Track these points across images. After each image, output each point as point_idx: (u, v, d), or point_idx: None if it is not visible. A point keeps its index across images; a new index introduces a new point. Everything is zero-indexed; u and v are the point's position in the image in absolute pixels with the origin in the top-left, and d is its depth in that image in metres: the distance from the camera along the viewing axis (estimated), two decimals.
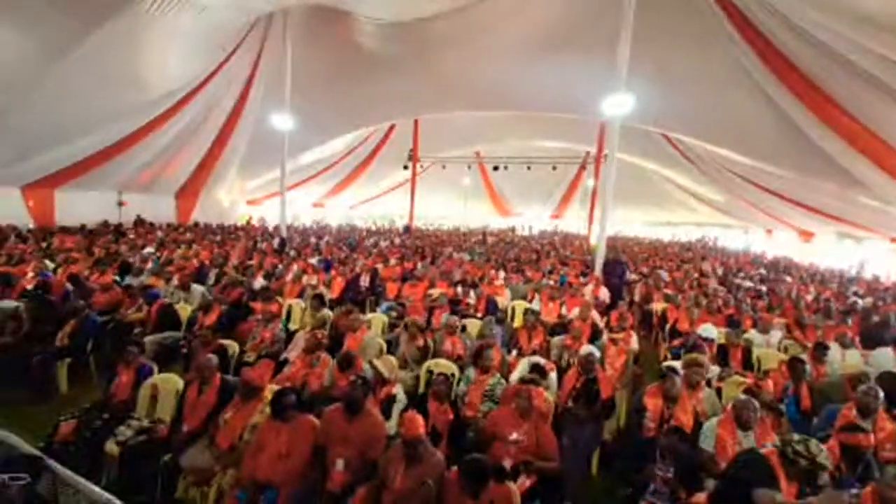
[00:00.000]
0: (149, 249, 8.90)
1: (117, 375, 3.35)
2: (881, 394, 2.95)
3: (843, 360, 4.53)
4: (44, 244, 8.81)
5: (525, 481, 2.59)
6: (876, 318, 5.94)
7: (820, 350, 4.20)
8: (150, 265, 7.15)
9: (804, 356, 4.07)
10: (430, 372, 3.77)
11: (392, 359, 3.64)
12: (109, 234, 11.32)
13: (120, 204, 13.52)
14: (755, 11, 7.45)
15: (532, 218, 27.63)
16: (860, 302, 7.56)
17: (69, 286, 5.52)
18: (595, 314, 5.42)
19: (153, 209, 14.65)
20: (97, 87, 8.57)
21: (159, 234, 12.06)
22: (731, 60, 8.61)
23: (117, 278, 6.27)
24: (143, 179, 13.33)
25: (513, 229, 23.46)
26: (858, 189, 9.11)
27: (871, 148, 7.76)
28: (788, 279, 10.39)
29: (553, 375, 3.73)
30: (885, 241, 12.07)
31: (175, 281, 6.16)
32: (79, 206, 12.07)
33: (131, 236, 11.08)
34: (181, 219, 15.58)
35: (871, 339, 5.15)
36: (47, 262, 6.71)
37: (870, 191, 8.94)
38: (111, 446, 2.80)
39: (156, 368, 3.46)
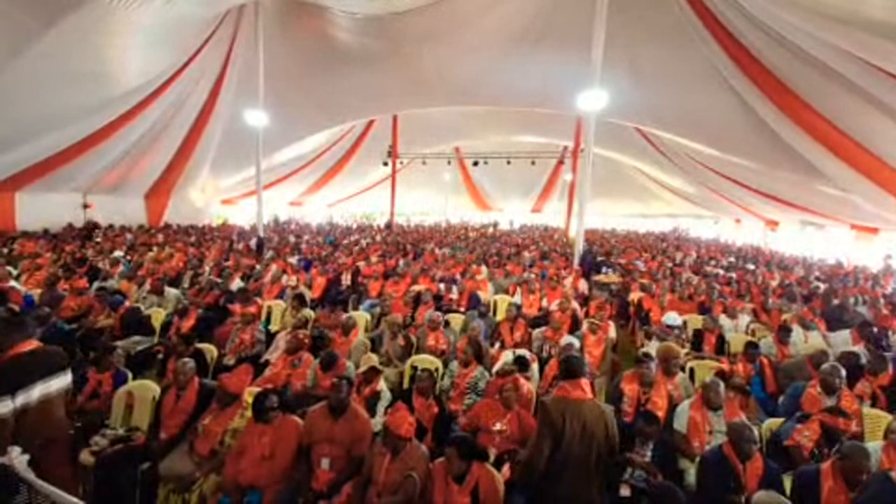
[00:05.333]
0: (118, 253, 8.57)
1: (86, 383, 3.24)
2: (843, 372, 3.12)
3: (806, 341, 4.78)
4: (5, 250, 8.39)
5: (508, 470, 2.65)
6: (836, 301, 6.28)
7: (784, 332, 4.43)
8: (120, 269, 6.89)
9: (760, 342, 4.29)
10: (414, 368, 3.79)
11: (374, 356, 3.64)
12: (75, 238, 10.84)
13: (85, 206, 12.93)
14: (722, 9, 7.71)
15: (513, 212, 27.88)
16: (821, 286, 7.97)
17: (27, 293, 5.27)
18: (575, 305, 5.55)
19: (121, 211, 14.04)
20: (59, 83, 8.14)
21: (129, 236, 11.62)
22: (701, 57, 8.87)
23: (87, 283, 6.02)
24: (109, 180, 12.77)
25: (495, 224, 23.63)
26: (818, 178, 9.56)
27: (829, 138, 8.16)
28: (755, 267, 10.84)
29: (535, 366, 3.81)
30: (844, 227, 12.71)
31: (147, 285, 5.97)
32: (41, 210, 11.49)
33: (98, 240, 10.63)
34: (152, 221, 14.99)
35: (832, 320, 5.45)
36: (10, 268, 6.38)
37: (829, 180, 9.40)
38: (86, 456, 2.72)
39: (130, 375, 3.37)
